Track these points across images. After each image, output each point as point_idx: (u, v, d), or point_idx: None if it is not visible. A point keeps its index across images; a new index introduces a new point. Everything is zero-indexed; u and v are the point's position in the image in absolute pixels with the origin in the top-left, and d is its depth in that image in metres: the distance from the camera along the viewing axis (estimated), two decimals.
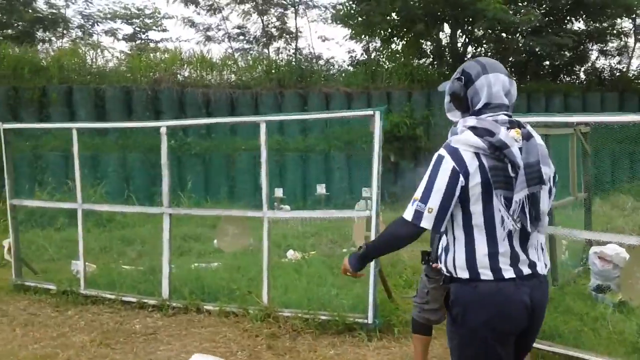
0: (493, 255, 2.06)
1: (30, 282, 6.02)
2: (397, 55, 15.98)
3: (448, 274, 2.18)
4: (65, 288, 5.67)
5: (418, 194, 2.10)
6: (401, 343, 4.24)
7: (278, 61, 15.46)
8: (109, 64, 13.95)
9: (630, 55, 17.37)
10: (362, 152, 12.34)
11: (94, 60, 13.75)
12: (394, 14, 15.31)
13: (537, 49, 14.97)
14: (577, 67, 17.10)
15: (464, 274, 2.10)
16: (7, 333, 4.77)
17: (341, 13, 15.93)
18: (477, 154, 2.04)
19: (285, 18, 17.67)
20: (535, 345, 3.52)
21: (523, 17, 14.01)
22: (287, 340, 4.38)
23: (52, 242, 7.78)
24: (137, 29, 18.84)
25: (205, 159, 12.33)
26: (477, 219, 2.07)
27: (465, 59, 16.68)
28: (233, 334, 4.56)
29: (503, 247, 2.07)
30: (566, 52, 15.97)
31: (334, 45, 30.99)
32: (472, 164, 2.04)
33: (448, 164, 2.05)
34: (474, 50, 17.03)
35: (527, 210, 2.07)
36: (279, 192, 9.33)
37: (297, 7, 17.53)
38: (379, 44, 16.94)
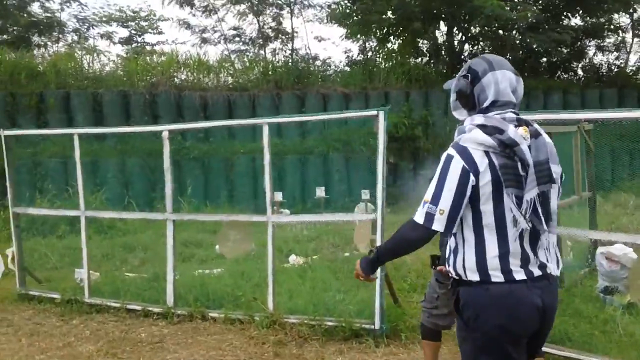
0: (503, 256, 2.04)
1: (35, 291, 5.99)
2: (394, 55, 15.96)
3: (457, 277, 2.15)
4: (70, 297, 5.64)
5: (428, 195, 2.07)
6: (409, 349, 4.22)
7: (275, 62, 15.43)
8: (105, 68, 13.93)
9: (628, 50, 17.39)
10: (361, 153, 12.34)
11: (91, 64, 13.71)
12: (389, 13, 15.29)
13: (534, 46, 14.96)
14: (575, 63, 17.10)
15: (474, 276, 2.07)
16: (13, 343, 4.75)
17: (337, 12, 15.89)
18: (486, 152, 2.02)
19: (281, 18, 17.64)
20: (546, 350, 3.51)
21: (520, 14, 14.00)
22: (294, 347, 4.35)
23: (54, 250, 7.75)
24: (132, 31, 18.78)
25: (204, 162, 12.27)
26: (488, 218, 2.04)
27: (462, 56, 16.70)
28: (239, 341, 4.54)
29: (514, 247, 2.04)
30: (563, 49, 15.97)
31: (330, 45, 30.97)
32: (482, 163, 2.01)
33: (458, 164, 2.02)
34: (471, 48, 17.03)
35: (538, 209, 2.06)
36: (278, 196, 9.25)
37: (292, 7, 17.49)
38: (375, 44, 16.92)
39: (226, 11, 17.60)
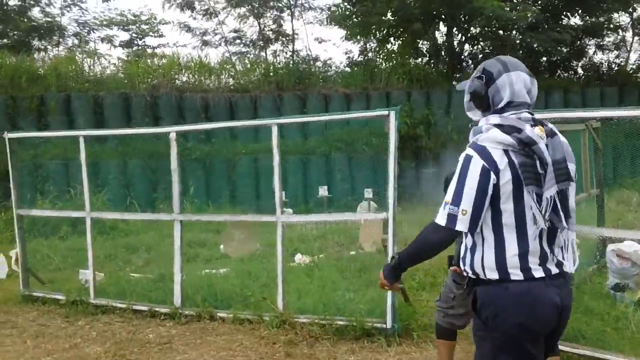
0: (523, 254, 2.03)
1: (39, 293, 5.95)
2: (393, 55, 15.98)
3: (474, 276, 2.13)
4: (75, 298, 5.60)
5: (449, 197, 2.06)
6: (421, 348, 4.18)
7: (276, 64, 15.43)
8: (106, 71, 13.91)
9: (628, 49, 17.42)
10: (363, 153, 12.34)
11: (92, 67, 13.68)
12: (389, 14, 15.30)
13: (535, 45, 14.98)
14: (575, 62, 17.12)
15: (493, 274, 2.05)
16: (18, 345, 4.70)
17: (336, 14, 15.90)
18: (505, 151, 2.02)
19: (282, 21, 17.64)
20: (561, 347, 3.47)
21: (520, 14, 14.02)
22: (305, 347, 4.31)
23: (57, 252, 7.72)
24: (133, 35, 18.75)
25: (206, 163, 12.26)
26: (508, 217, 2.03)
27: (462, 57, 16.73)
28: (249, 341, 4.50)
29: (533, 246, 2.04)
30: (563, 48, 15.99)
31: (330, 46, 31.03)
32: (501, 161, 2.01)
33: (477, 163, 2.02)
34: (471, 49, 17.06)
35: (558, 207, 2.05)
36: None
37: (292, 9, 17.49)
38: (375, 45, 16.93)
39: (227, 14, 17.63)
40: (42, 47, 17.66)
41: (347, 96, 13.63)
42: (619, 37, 17.30)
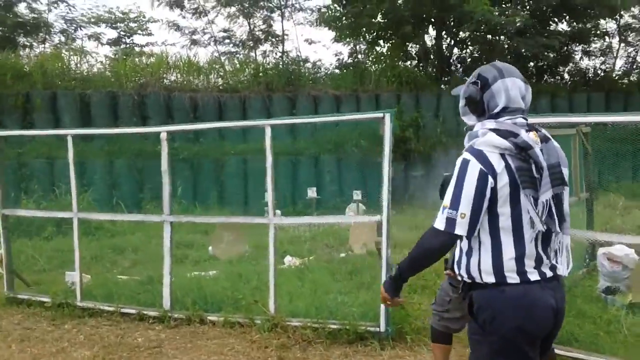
0: (519, 258, 2.06)
1: (24, 295, 5.81)
2: (383, 58, 16.00)
3: (469, 280, 2.14)
4: (61, 300, 5.47)
5: (447, 201, 2.07)
6: (415, 351, 4.16)
7: (265, 64, 15.37)
8: (93, 68, 13.73)
9: (614, 55, 17.63)
10: (352, 155, 12.33)
11: (78, 65, 13.50)
12: (380, 17, 15.32)
13: (523, 50, 15.10)
14: (562, 68, 17.29)
15: (489, 278, 2.07)
16: (2, 350, 4.58)
17: (326, 16, 15.89)
18: (502, 155, 2.04)
19: (272, 21, 17.56)
20: (555, 351, 3.48)
21: (509, 19, 14.13)
22: (298, 351, 4.26)
23: (42, 253, 7.56)
24: (121, 33, 18.50)
25: (194, 164, 12.16)
26: (505, 221, 2.06)
27: (451, 60, 16.81)
28: (241, 345, 4.43)
29: (529, 249, 2.06)
30: (550, 54, 16.14)
31: (320, 48, 30.95)
32: (499, 165, 2.03)
33: (475, 167, 2.04)
34: (460, 52, 17.14)
35: (553, 211, 2.08)
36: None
37: (283, 10, 17.43)
38: (365, 47, 16.94)
39: (216, 13, 17.48)
40: (28, 43, 17.35)
41: (337, 98, 13.62)
42: (606, 43, 17.53)
